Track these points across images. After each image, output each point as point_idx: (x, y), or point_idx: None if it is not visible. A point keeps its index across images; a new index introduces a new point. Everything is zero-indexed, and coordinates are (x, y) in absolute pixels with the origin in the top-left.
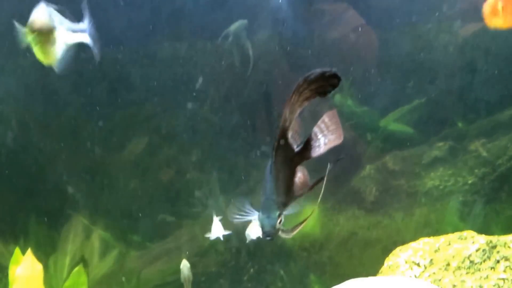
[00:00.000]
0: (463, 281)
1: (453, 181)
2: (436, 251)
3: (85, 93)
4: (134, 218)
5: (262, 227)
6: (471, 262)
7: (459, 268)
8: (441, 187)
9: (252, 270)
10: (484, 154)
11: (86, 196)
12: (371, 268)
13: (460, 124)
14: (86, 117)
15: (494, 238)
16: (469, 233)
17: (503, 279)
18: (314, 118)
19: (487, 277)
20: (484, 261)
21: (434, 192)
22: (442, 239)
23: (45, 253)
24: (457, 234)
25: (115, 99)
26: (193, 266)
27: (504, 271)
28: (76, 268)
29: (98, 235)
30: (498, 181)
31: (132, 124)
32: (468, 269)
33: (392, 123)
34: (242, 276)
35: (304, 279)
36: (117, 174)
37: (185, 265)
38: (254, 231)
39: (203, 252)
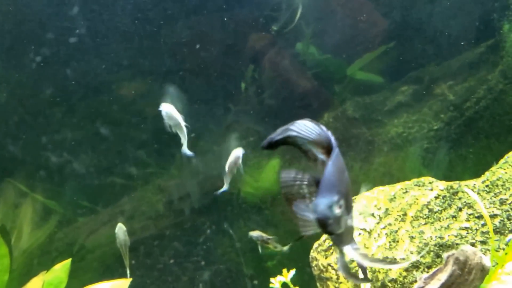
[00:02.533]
0: (421, 232)
1: (417, 128)
2: (391, 200)
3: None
4: (81, 182)
5: (316, 210)
6: (430, 210)
7: (416, 217)
8: (404, 134)
9: (209, 230)
10: (451, 97)
11: (22, 159)
12: None
13: (425, 66)
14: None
15: (455, 184)
16: (427, 179)
17: (466, 229)
18: None
19: (448, 226)
20: (445, 209)
21: (397, 140)
22: (398, 187)
23: None
24: (414, 180)
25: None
26: (146, 229)
27: (467, 219)
28: None
29: (33, 202)
30: (466, 125)
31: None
32: (426, 219)
33: (359, 72)
34: (198, 237)
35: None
36: (63, 134)
37: (120, 228)
38: None
39: (158, 215)
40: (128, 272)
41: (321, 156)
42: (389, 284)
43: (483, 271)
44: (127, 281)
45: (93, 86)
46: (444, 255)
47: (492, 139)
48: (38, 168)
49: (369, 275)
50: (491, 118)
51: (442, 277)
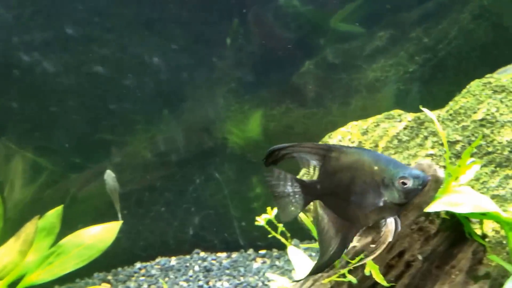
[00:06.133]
0: None
1: (394, 71)
2: (364, 133)
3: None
4: (71, 139)
5: (416, 174)
6: (399, 140)
7: (387, 148)
8: (382, 78)
9: (198, 180)
10: (425, 40)
11: (12, 118)
12: None
13: (402, 11)
14: None
15: (422, 115)
16: (396, 112)
17: (431, 155)
18: None
19: (415, 154)
20: (412, 138)
21: (375, 83)
22: (370, 121)
23: None
24: (384, 114)
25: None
26: (136, 181)
27: (432, 147)
28: None
29: (24, 159)
30: (438, 65)
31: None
32: (396, 148)
33: (341, 24)
34: (188, 186)
35: (248, 182)
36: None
37: (109, 175)
38: None
39: (147, 167)
40: (119, 216)
41: (314, 162)
42: None
43: (437, 182)
44: (117, 224)
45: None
46: None
47: (460, 75)
48: (28, 126)
49: None
50: (460, 55)
51: None
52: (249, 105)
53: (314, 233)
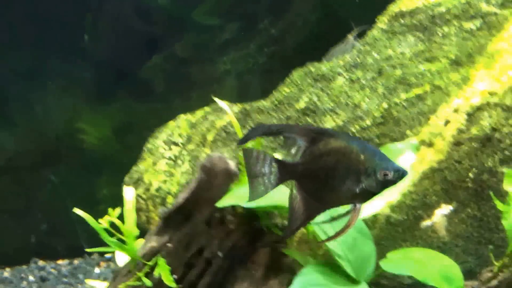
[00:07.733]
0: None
1: (244, 63)
2: (192, 126)
3: None
4: None
5: (397, 168)
6: (227, 133)
7: (215, 141)
8: (232, 70)
9: (38, 185)
10: (273, 31)
11: None
12: None
13: (249, 2)
14: None
15: (248, 105)
16: (224, 104)
17: None
18: None
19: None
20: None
21: (225, 76)
22: (198, 114)
23: None
24: (212, 106)
25: None
26: None
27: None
28: None
29: None
30: (284, 57)
31: None
32: (224, 141)
33: (202, 16)
34: (29, 192)
35: (93, 183)
36: None
37: None
38: None
39: None
40: None
41: (301, 143)
42: None
43: (228, 175)
44: None
45: None
46: (197, 163)
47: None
48: None
49: None
50: (303, 46)
51: (191, 185)
52: (90, 102)
53: (104, 235)
